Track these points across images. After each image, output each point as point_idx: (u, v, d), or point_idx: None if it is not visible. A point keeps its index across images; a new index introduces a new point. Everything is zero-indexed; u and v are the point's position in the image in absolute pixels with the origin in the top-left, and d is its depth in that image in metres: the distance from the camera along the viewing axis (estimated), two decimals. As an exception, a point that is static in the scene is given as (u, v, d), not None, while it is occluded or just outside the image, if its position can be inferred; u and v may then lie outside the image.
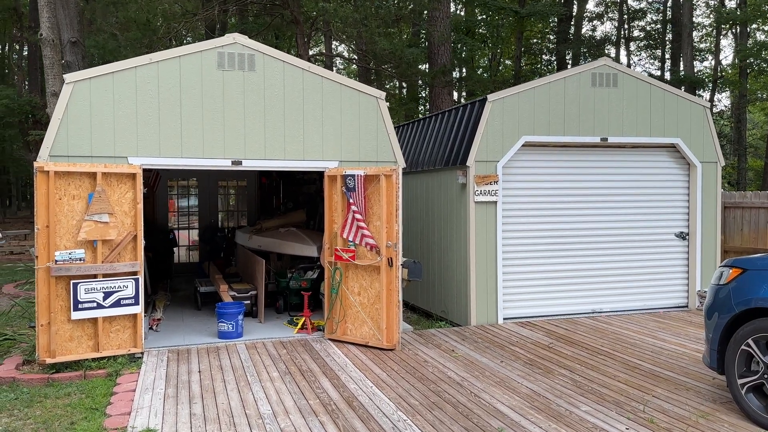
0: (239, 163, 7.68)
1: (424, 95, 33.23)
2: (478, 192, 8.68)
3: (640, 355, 7.25)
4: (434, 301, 9.79)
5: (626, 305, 9.70)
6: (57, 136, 6.97)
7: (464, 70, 27.94)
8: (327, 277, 7.96)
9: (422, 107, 30.64)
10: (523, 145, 9.00)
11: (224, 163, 7.64)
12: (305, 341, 7.83)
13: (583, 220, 9.49)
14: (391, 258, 7.42)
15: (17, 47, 30.97)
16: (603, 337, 8.12)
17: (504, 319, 8.96)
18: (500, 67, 34.06)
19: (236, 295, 9.09)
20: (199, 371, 6.58)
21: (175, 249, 14.17)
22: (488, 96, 8.81)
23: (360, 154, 8.16)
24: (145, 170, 13.42)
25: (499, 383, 6.23)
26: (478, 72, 28.16)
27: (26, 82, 26.78)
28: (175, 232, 14.26)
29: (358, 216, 7.58)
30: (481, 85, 22.12)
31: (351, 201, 7.63)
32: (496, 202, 8.82)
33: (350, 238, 7.69)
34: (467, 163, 8.68)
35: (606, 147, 9.56)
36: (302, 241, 9.46)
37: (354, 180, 7.59)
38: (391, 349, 7.43)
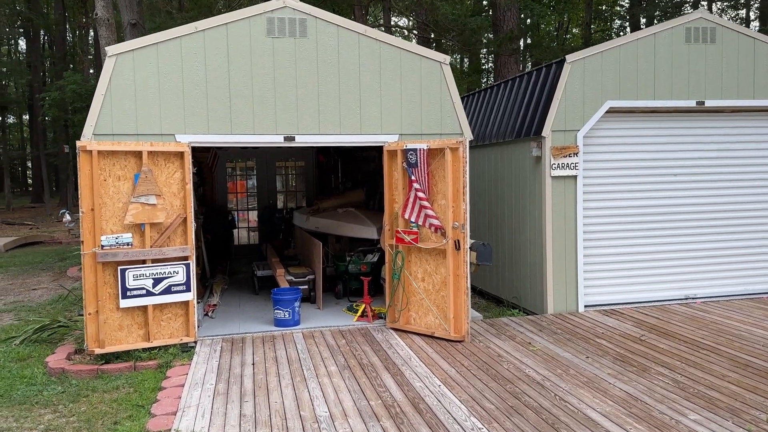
0: (292, 138, 7.09)
1: (487, 67, 31.88)
2: (555, 165, 7.76)
3: (750, 350, 6.24)
4: (505, 287, 8.99)
5: (724, 290, 8.59)
6: (101, 113, 6.58)
7: (529, 39, 26.45)
8: (388, 261, 7.30)
9: (485, 80, 29.34)
10: (606, 112, 7.98)
11: (276, 139, 7.07)
12: (365, 330, 7.24)
13: (675, 195, 8.41)
14: (458, 240, 6.68)
15: (84, 33, 31.76)
16: (702, 327, 7.12)
17: (585, 306, 8.06)
18: (567, 36, 32.16)
19: (293, 279, 8.60)
20: (253, 363, 6.11)
21: (235, 231, 13.93)
22: (566, 56, 7.83)
23: (422, 126, 7.41)
24: (201, 150, 13.19)
25: (587, 384, 5.42)
26: (543, 45, 26.61)
27: (93, 68, 27.36)
28: (234, 213, 13.99)
29: (420, 194, 6.86)
30: (550, 54, 20.71)
31: (413, 178, 6.91)
32: (575, 177, 7.88)
33: (412, 219, 6.99)
34: (542, 134, 7.77)
35: (702, 112, 8.40)
36: (361, 222, 8.84)
37: (416, 155, 6.86)
38: (459, 341, 6.72)
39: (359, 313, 7.67)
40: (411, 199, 6.98)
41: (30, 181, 42.71)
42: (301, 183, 14.72)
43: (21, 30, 32.94)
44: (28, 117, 38.56)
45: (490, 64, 32.07)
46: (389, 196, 7.28)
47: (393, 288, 7.21)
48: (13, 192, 39.54)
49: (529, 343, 6.64)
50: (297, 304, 7.43)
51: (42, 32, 33.16)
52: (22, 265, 14.10)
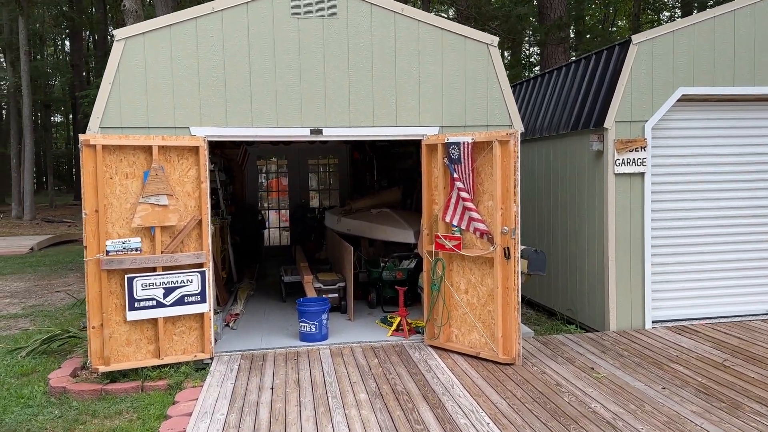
0: (319, 131, 6.32)
1: (531, 60, 30.58)
2: (620, 161, 6.78)
3: None
4: (558, 298, 8.03)
5: (816, 306, 7.44)
6: (108, 104, 5.93)
7: (572, 31, 25.14)
8: (426, 269, 6.46)
9: (527, 72, 28.12)
10: (678, 100, 6.95)
11: (301, 133, 6.31)
12: (401, 347, 6.42)
13: (757, 195, 7.31)
14: (508, 248, 5.79)
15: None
16: (796, 352, 6.05)
17: (653, 322, 7.05)
18: (612, 29, 30.64)
19: (322, 287, 7.84)
20: (272, 387, 5.35)
21: (265, 231, 13.29)
22: (632, 37, 6.83)
23: (466, 117, 6.54)
24: (230, 146, 12.58)
25: (669, 424, 4.47)
26: (587, 36, 25.23)
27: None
28: (264, 213, 13.37)
29: (464, 194, 6.00)
30: (595, 46, 19.48)
31: (455, 176, 6.06)
32: (643, 174, 6.88)
33: (454, 223, 6.14)
34: (604, 125, 6.79)
35: (790, 100, 7.27)
36: (397, 224, 8.02)
37: (459, 149, 6.00)
38: (509, 364, 5.83)
39: (394, 327, 6.86)
40: (453, 200, 6.13)
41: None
42: (334, 181, 14.00)
43: (66, 31, 33.31)
44: (72, 116, 39.14)
45: (533, 57, 30.81)
46: (428, 196, 6.43)
47: (432, 300, 6.36)
48: (60, 189, 40.28)
49: (592, 369, 5.70)
50: (325, 316, 6.66)
51: (86, 32, 33.46)
52: (51, 265, 13.79)
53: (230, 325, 7.33)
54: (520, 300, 5.84)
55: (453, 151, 6.05)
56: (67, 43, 39.65)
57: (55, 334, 6.95)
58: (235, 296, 8.90)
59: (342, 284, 7.89)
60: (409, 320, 7.06)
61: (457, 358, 6.05)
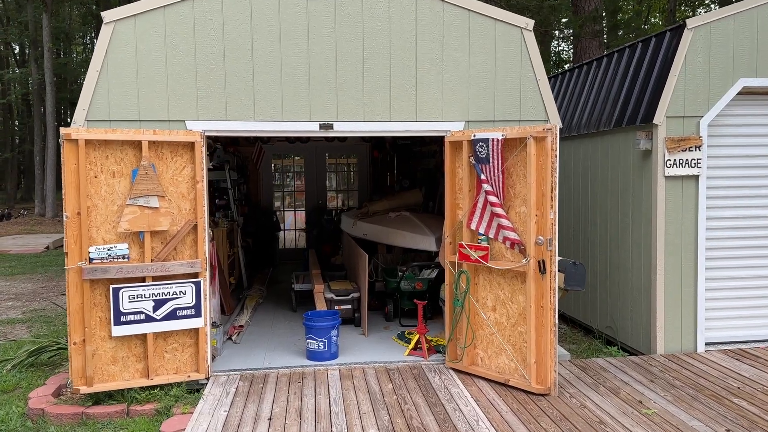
0: (329, 126, 5.64)
1: (562, 56, 29.52)
2: (671, 162, 5.96)
3: None
4: (595, 313, 7.23)
5: None
6: (95, 95, 5.34)
7: (605, 26, 24.07)
8: (448, 282, 5.73)
9: (556, 69, 27.08)
10: (739, 93, 6.11)
11: (310, 128, 5.64)
12: (419, 370, 5.71)
13: (829, 202, 6.42)
14: (543, 261, 5.03)
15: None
16: None
17: (706, 345, 6.21)
18: (645, 26, 29.44)
19: (333, 297, 7.17)
20: (270, 418, 4.69)
21: (280, 233, 12.68)
22: (686, 21, 6.01)
23: (495, 111, 5.79)
24: (245, 144, 11.99)
25: (741, 483, 3.68)
26: (620, 32, 24.12)
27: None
28: (279, 214, 12.76)
29: (492, 198, 5.26)
30: (631, 41, 18.49)
31: (482, 177, 5.32)
32: (697, 177, 6.05)
33: (481, 231, 5.40)
34: (654, 121, 5.98)
35: None
36: (417, 229, 7.31)
37: (487, 147, 5.26)
38: (543, 395, 5.08)
39: (411, 345, 6.14)
40: (480, 205, 5.39)
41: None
42: (354, 181, 13.34)
43: (95, 29, 33.26)
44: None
45: (564, 54, 29.77)
46: (451, 200, 5.71)
47: (455, 317, 5.63)
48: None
49: (640, 402, 4.91)
50: (334, 332, 5.97)
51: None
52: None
53: (233, 338, 6.70)
54: (556, 321, 5.08)
55: (480, 149, 5.32)
56: (96, 41, 39.74)
57: (43, 345, 6.40)
58: (242, 305, 8.28)
59: (356, 295, 7.20)
60: (429, 337, 6.34)
61: (482, 385, 5.31)
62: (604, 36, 21.55)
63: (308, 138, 11.84)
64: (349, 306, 7.20)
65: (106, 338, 5.19)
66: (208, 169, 9.72)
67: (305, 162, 12.94)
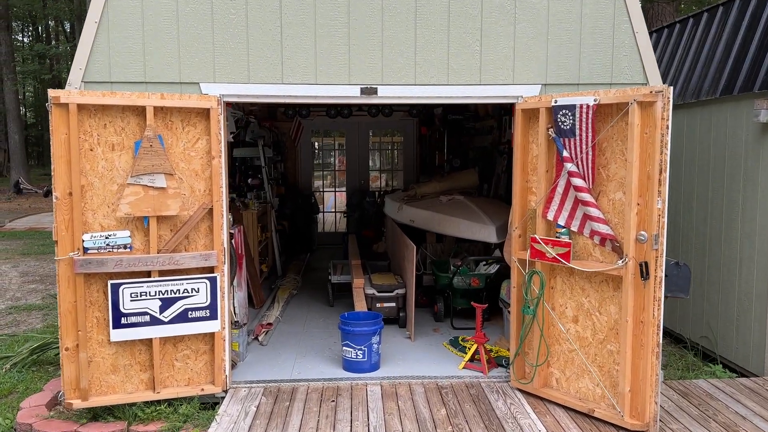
0: (373, 91, 4.60)
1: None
2: (807, 137, 4.70)
3: None
4: (687, 319, 6.04)
5: None
6: (94, 51, 4.44)
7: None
8: (516, 284, 4.66)
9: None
10: None
11: (349, 92, 4.61)
12: (477, 389, 4.69)
13: None
14: (646, 263, 3.91)
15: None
16: None
17: (839, 369, 4.98)
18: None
19: (375, 293, 6.19)
20: (294, 451, 3.77)
21: (319, 215, 11.78)
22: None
23: (580, 72, 4.64)
24: (283, 119, 11.08)
25: None
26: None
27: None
28: (318, 195, 11.85)
29: (578, 182, 4.15)
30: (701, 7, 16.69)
31: (565, 154, 4.21)
32: (839, 157, 4.78)
33: (561, 222, 4.30)
34: (784, 85, 4.72)
35: None
36: (474, 217, 6.24)
37: (573, 115, 4.13)
38: (640, 433, 3.99)
39: (468, 356, 5.11)
40: (560, 190, 4.29)
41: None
42: (399, 161, 12.29)
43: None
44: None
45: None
46: (521, 183, 4.61)
47: (524, 328, 4.57)
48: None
49: (773, 451, 3.77)
50: (376, 339, 5.01)
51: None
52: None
53: (260, 338, 5.82)
54: (660, 340, 3.96)
55: (564, 119, 4.19)
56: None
57: (47, 342, 5.67)
58: (274, 297, 7.42)
59: (401, 291, 6.21)
60: (489, 347, 5.30)
61: (559, 415, 4.25)
62: (681, 2, 19.68)
63: (350, 111, 10.82)
64: (393, 304, 6.22)
65: (105, 343, 4.35)
66: (230, 142, 8.81)
67: (346, 139, 11.96)
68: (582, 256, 4.27)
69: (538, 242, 4.39)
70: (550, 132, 4.31)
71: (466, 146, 10.25)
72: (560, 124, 4.22)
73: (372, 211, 11.06)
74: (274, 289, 7.85)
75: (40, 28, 34.94)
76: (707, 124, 5.68)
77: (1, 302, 8.07)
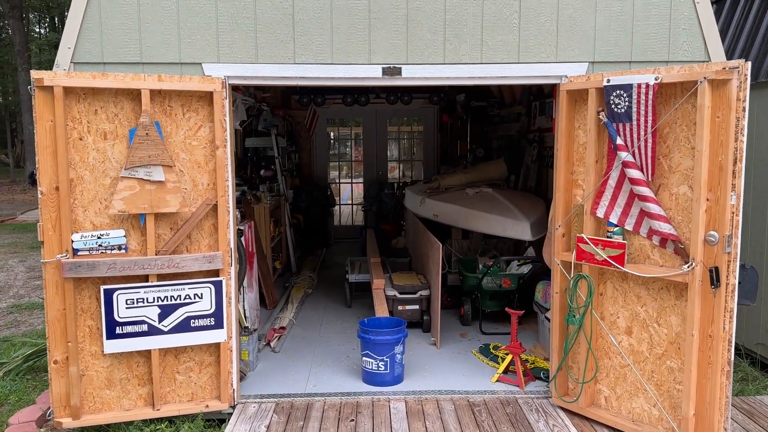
0: (396, 71, 4.07)
1: None
2: None
3: None
4: (741, 323, 5.45)
5: None
6: (84, 28, 3.96)
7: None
8: (558, 290, 4.13)
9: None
10: None
11: (369, 73, 4.09)
12: (514, 406, 4.17)
13: None
14: (717, 269, 3.35)
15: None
16: None
17: None
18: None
19: (397, 295, 5.69)
20: (309, 483, 3.29)
21: (335, 208, 11.30)
22: None
23: (633, 47, 4.07)
24: (297, 107, 10.59)
25: None
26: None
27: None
28: (334, 186, 11.35)
29: (634, 173, 3.59)
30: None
31: (619, 142, 3.66)
32: None
33: (613, 219, 3.76)
34: None
35: None
36: (505, 212, 5.70)
37: (630, 97, 3.57)
38: (708, 465, 3.45)
39: (502, 368, 4.60)
40: (612, 182, 3.74)
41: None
42: (418, 151, 11.75)
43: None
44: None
45: None
46: (565, 174, 4.06)
47: (568, 339, 4.04)
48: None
49: None
50: (399, 349, 4.51)
51: None
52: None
53: (272, 344, 5.35)
54: (731, 357, 3.41)
55: (618, 101, 3.63)
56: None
57: (43, 347, 5.25)
58: (287, 296, 6.95)
59: (425, 293, 5.70)
60: (525, 357, 4.78)
61: (610, 440, 3.73)
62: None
63: (367, 99, 10.32)
64: (416, 306, 5.71)
65: (99, 355, 3.90)
66: (242, 132, 8.38)
67: (363, 128, 11.43)
68: (638, 259, 3.72)
69: (586, 242, 3.85)
70: (600, 116, 3.75)
71: (489, 135, 9.69)
72: (613, 106, 3.66)
73: (391, 203, 10.55)
74: (288, 287, 7.39)
75: (56, 18, 34.74)
76: (770, 107, 5.07)
77: (4, 300, 7.71)
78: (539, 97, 7.44)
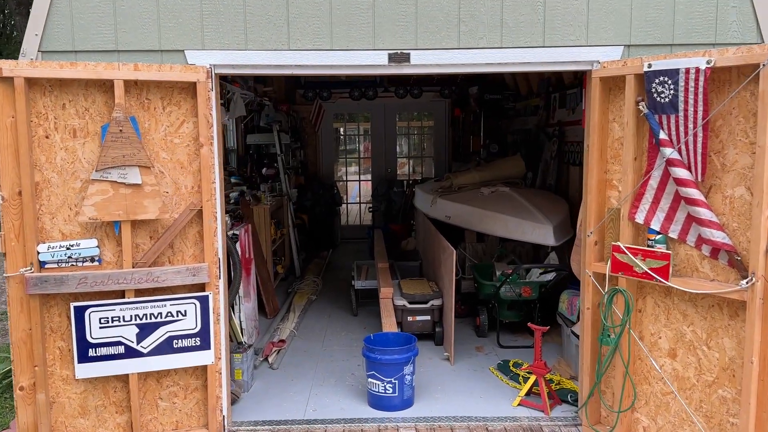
0: (404, 58, 3.59)
1: None
2: None
3: None
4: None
5: None
6: (52, 12, 3.52)
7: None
8: (590, 305, 3.63)
9: None
10: None
11: (374, 60, 3.61)
12: (539, 435, 3.70)
13: None
14: (783, 283, 2.85)
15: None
16: None
17: None
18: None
19: (406, 305, 5.22)
20: None
21: (342, 207, 10.83)
22: None
23: (674, 29, 3.57)
24: (302, 102, 10.14)
25: None
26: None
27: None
28: (340, 185, 10.88)
29: (681, 173, 3.10)
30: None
31: (662, 137, 3.16)
32: None
33: (655, 226, 3.26)
34: None
35: None
36: (525, 213, 5.21)
37: (676, 84, 3.07)
38: None
39: (524, 390, 4.11)
40: (654, 183, 3.24)
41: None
42: (428, 147, 11.25)
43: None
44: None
45: None
46: (598, 173, 3.56)
47: (602, 362, 3.55)
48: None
49: None
50: (409, 369, 4.04)
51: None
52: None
53: (269, 359, 4.90)
54: (799, 389, 2.92)
55: (661, 89, 3.13)
56: None
57: (22, 364, 4.82)
58: (290, 303, 6.51)
59: (437, 302, 5.22)
60: (550, 376, 4.30)
61: (653, 481, 3.25)
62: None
63: (375, 93, 9.86)
64: (428, 317, 5.24)
65: (71, 380, 3.47)
66: (243, 128, 7.95)
67: (371, 124, 10.95)
68: (684, 272, 3.22)
69: (624, 252, 3.35)
70: (640, 107, 3.25)
71: (504, 129, 9.18)
72: (656, 95, 3.16)
73: (400, 202, 10.07)
74: (290, 293, 6.94)
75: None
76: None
77: (-6, 307, 7.32)
78: (558, 88, 6.93)
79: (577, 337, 4.29)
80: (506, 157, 7.38)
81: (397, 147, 11.17)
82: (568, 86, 6.65)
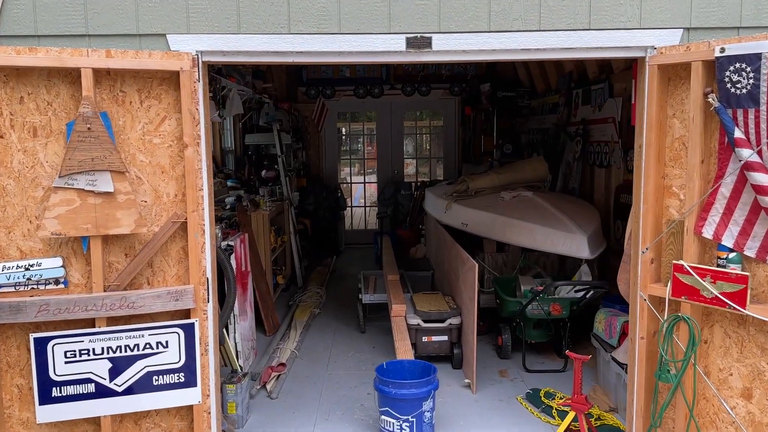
0: (425, 42, 3.05)
1: None
2: None
3: None
4: None
5: None
6: (8, -9, 2.99)
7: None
8: (644, 333, 3.09)
9: None
10: None
11: (389, 45, 3.07)
12: (582, 485, 3.15)
13: None
14: None
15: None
16: None
17: None
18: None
19: (421, 324, 4.68)
20: None
21: (346, 211, 10.30)
22: None
23: (742, 8, 3.02)
24: (304, 100, 9.62)
25: None
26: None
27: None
28: (343, 187, 10.34)
29: (761, 178, 2.56)
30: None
31: (738, 136, 2.62)
32: None
33: (728, 243, 2.72)
34: None
35: None
36: (554, 222, 4.67)
37: (756, 72, 2.53)
38: None
39: (562, 428, 3.57)
40: (727, 191, 2.70)
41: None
42: (438, 147, 10.71)
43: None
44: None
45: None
46: (655, 178, 3.02)
47: (664, 404, 3.00)
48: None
49: None
50: (428, 405, 3.50)
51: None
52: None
53: (267, 388, 4.36)
54: None
55: (737, 78, 2.60)
56: None
57: None
58: (291, 319, 5.97)
59: (455, 321, 4.68)
60: (592, 412, 3.75)
61: None
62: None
63: (381, 90, 9.35)
64: (445, 338, 4.70)
65: (32, 424, 2.94)
66: (241, 128, 7.45)
67: (377, 123, 10.41)
68: (763, 298, 2.68)
69: (688, 273, 2.81)
70: (710, 99, 2.71)
71: (518, 129, 8.65)
72: (730, 86, 2.62)
73: (408, 206, 9.55)
74: (291, 306, 6.41)
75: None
76: None
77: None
78: (581, 84, 6.40)
79: (620, 365, 3.75)
80: (527, 159, 6.84)
81: (404, 147, 10.63)
82: (592, 81, 6.12)
